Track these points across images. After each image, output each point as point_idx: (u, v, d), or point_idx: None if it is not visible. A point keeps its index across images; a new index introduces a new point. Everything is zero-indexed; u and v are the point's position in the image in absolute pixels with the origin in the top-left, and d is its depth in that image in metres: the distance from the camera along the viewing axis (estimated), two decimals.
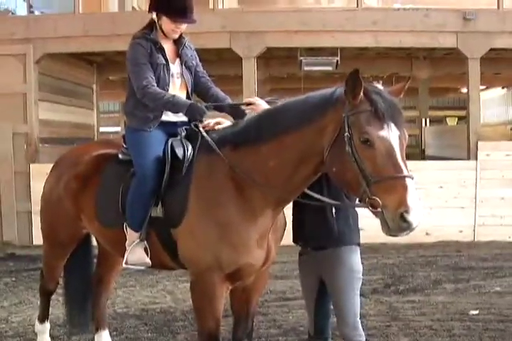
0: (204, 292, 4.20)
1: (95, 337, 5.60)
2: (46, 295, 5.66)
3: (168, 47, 4.68)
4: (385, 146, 3.57)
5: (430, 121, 19.05)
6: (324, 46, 12.35)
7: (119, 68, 13.96)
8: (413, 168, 3.75)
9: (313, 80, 16.16)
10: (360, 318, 4.43)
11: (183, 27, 4.64)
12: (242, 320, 4.59)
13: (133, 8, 14.28)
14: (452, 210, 11.50)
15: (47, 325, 5.69)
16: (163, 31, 4.63)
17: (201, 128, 4.41)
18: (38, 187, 6.05)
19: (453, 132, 16.66)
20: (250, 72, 11.87)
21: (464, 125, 15.30)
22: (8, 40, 11.82)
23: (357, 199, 3.90)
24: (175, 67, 4.70)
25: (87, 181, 4.90)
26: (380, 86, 3.80)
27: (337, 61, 12.70)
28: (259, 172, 4.06)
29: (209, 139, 4.30)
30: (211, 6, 12.07)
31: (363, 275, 4.45)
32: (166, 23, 4.58)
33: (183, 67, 4.73)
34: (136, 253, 4.47)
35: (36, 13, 13.02)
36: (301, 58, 12.83)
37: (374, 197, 3.51)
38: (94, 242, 5.53)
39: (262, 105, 4.47)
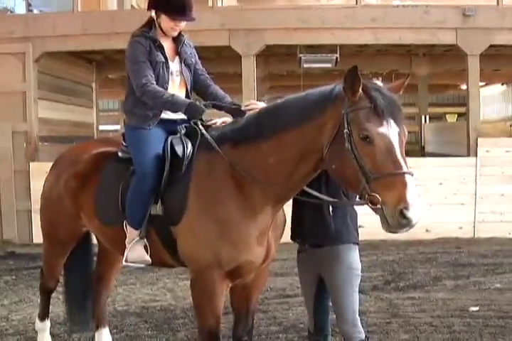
0: (204, 289, 4.20)
1: (95, 334, 5.60)
2: (46, 294, 5.66)
3: (167, 45, 4.67)
4: (385, 143, 3.57)
5: (430, 117, 19.09)
6: (323, 43, 12.34)
7: (118, 66, 13.96)
8: (413, 165, 3.76)
9: (313, 77, 16.14)
10: (360, 315, 4.43)
11: (182, 25, 4.63)
12: (242, 318, 4.59)
13: (132, 6, 14.29)
14: (452, 207, 11.51)
15: (47, 323, 5.69)
16: (162, 29, 4.62)
17: (200, 126, 4.41)
18: (37, 186, 6.05)
19: (452, 129, 16.67)
20: (249, 69, 11.86)
21: (463, 122, 15.29)
22: (7, 39, 11.82)
23: (357, 197, 3.91)
24: (174, 65, 4.69)
25: (87, 179, 4.90)
26: (379, 83, 3.80)
27: (336, 58, 12.70)
28: (259, 169, 4.06)
29: (208, 137, 4.30)
30: (210, 4, 12.08)
31: (362, 272, 4.45)
32: (165, 21, 4.58)
33: (183, 64, 4.73)
34: (135, 251, 4.47)
35: (35, 11, 13.03)
36: (301, 55, 12.83)
37: (373, 194, 3.51)
38: (94, 240, 5.53)
39: (262, 106, 4.46)
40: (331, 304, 4.47)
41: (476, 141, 11.70)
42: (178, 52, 4.73)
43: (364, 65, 15.55)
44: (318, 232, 4.31)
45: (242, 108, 4.56)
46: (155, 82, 4.51)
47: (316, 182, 4.17)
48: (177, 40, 4.73)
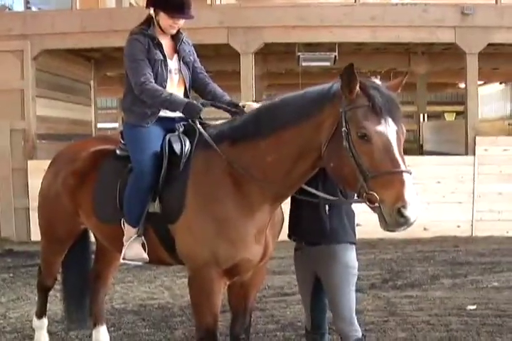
0: (202, 287, 4.20)
1: (93, 332, 5.60)
2: (44, 291, 5.65)
3: (165, 42, 4.67)
4: (383, 141, 3.57)
5: (428, 116, 19.09)
6: (322, 41, 12.35)
7: (116, 64, 13.92)
8: (411, 163, 3.76)
9: (311, 76, 16.16)
10: (357, 313, 4.44)
11: (181, 22, 4.63)
12: (239, 316, 4.59)
13: (130, 3, 14.28)
14: (450, 205, 11.51)
15: (45, 320, 5.69)
16: (160, 27, 4.62)
17: (198, 124, 4.40)
18: (35, 184, 6.04)
19: (451, 127, 16.68)
20: (248, 67, 11.85)
21: (461, 120, 15.30)
22: (6, 36, 11.81)
23: (355, 196, 3.91)
24: (173, 63, 4.69)
25: (85, 177, 4.90)
26: (377, 81, 3.80)
27: (335, 56, 12.70)
28: (257, 167, 4.06)
29: (206, 135, 4.30)
30: (209, 2, 12.07)
31: (360, 270, 4.45)
32: (163, 19, 4.57)
33: (181, 62, 4.72)
34: (133, 249, 4.47)
35: (33, 9, 13.01)
36: (299, 54, 12.82)
37: (371, 192, 3.51)
38: (92, 238, 5.53)
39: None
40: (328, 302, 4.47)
41: (474, 139, 11.70)
42: (176, 50, 4.72)
43: (362, 63, 15.58)
44: (315, 231, 4.31)
45: (240, 106, 4.57)
46: (153, 81, 4.50)
47: (313, 181, 4.17)
48: (175, 38, 4.73)
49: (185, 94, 4.76)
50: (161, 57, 4.58)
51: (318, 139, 3.80)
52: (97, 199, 4.77)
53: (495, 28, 11.73)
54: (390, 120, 3.61)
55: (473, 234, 11.57)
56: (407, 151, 3.75)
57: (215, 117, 4.84)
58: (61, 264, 5.53)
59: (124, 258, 4.55)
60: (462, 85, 17.56)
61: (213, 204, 4.15)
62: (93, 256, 5.70)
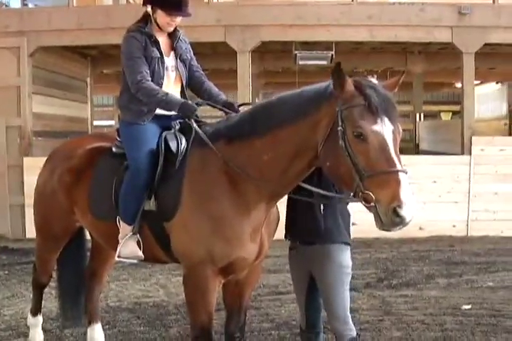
0: (197, 286, 4.20)
1: (88, 330, 5.59)
2: (39, 289, 5.65)
3: (162, 40, 4.67)
4: (379, 140, 3.57)
5: (424, 115, 19.06)
6: (319, 40, 12.34)
7: (113, 62, 13.94)
8: (407, 163, 3.76)
9: (308, 74, 16.15)
10: (352, 312, 4.45)
11: (178, 20, 4.63)
12: (234, 314, 4.60)
13: (127, 1, 14.24)
14: (445, 205, 11.52)
15: (39, 318, 5.68)
16: (158, 24, 4.61)
17: (193, 123, 4.39)
18: (31, 181, 6.03)
19: (447, 127, 16.67)
20: (245, 65, 11.84)
21: (458, 120, 15.30)
22: (2, 33, 11.78)
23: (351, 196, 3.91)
24: (169, 60, 4.69)
25: (81, 174, 4.90)
26: (374, 80, 3.79)
27: (332, 55, 12.69)
28: (253, 166, 4.06)
29: (201, 133, 4.29)
30: (206, 0, 12.04)
31: (355, 269, 4.46)
32: (161, 16, 4.57)
33: (178, 60, 4.72)
34: (128, 247, 4.46)
35: (30, 5, 12.99)
36: (296, 52, 12.82)
37: (367, 192, 3.51)
38: (88, 236, 5.51)
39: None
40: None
41: (471, 139, 11.71)
42: (173, 48, 4.73)
43: (359, 62, 15.61)
44: (309, 230, 4.32)
45: (235, 106, 4.57)
46: (150, 79, 4.50)
47: (309, 181, 4.17)
48: (172, 36, 4.73)
49: (182, 92, 4.77)
50: (158, 55, 4.58)
51: (315, 138, 3.79)
52: (92, 196, 4.77)
53: (492, 27, 11.74)
54: (386, 119, 3.61)
55: (469, 234, 11.58)
56: (402, 151, 3.74)
57: (212, 115, 4.83)
58: (56, 262, 5.52)
59: (119, 256, 4.55)
60: (459, 85, 17.52)
61: (209, 203, 4.14)
62: (88, 254, 5.69)
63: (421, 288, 7.92)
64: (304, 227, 4.34)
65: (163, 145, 4.38)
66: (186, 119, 4.46)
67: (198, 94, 4.88)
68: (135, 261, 4.69)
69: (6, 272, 9.05)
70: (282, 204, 4.40)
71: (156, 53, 4.57)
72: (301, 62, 13.33)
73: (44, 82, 12.91)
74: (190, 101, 4.51)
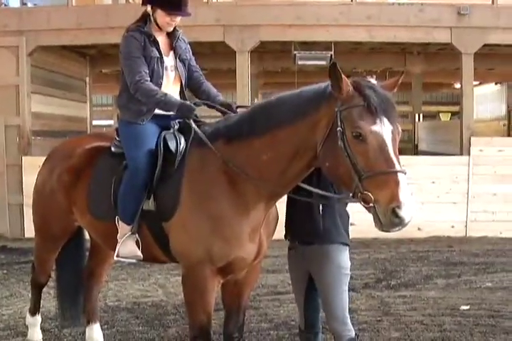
0: (195, 285, 4.20)
1: (86, 330, 5.59)
2: (37, 288, 5.64)
3: (162, 39, 4.67)
4: (378, 141, 3.56)
5: (423, 116, 19.04)
6: (318, 40, 12.34)
7: (112, 61, 13.92)
8: (406, 163, 3.75)
9: (307, 75, 16.13)
10: (351, 313, 4.45)
11: (178, 20, 4.63)
12: (233, 314, 4.59)
13: (126, 0, 14.20)
14: (444, 205, 11.53)
15: (38, 317, 5.68)
16: (157, 24, 4.61)
17: (193, 123, 4.39)
18: (30, 180, 6.03)
19: (446, 127, 16.68)
20: (244, 65, 11.84)
21: (457, 120, 15.31)
22: (1, 32, 11.78)
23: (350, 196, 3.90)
24: (169, 60, 4.69)
25: (80, 174, 4.89)
26: (373, 80, 3.78)
27: (331, 55, 12.67)
28: (252, 166, 4.05)
29: (200, 133, 4.29)
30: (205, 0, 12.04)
31: (354, 270, 4.47)
32: (160, 16, 4.57)
33: (177, 59, 4.72)
34: (127, 246, 4.46)
35: (29, 5, 12.96)
36: (295, 52, 12.80)
37: (366, 192, 3.50)
38: (87, 235, 5.51)
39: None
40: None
41: (470, 140, 11.72)
42: (172, 47, 4.72)
43: (359, 62, 15.61)
44: (308, 230, 4.32)
45: (233, 106, 4.57)
46: (149, 79, 4.50)
47: (308, 181, 4.16)
48: (172, 35, 4.73)
49: (181, 92, 4.76)
50: (157, 55, 4.58)
51: (314, 138, 3.79)
52: (91, 196, 4.77)
53: (491, 28, 11.75)
54: (385, 120, 3.60)
55: (468, 235, 11.58)
56: (401, 151, 3.73)
57: (211, 115, 4.84)
58: (55, 261, 5.52)
59: (117, 256, 4.55)
60: (457, 85, 17.54)
61: (208, 202, 4.14)
62: (87, 254, 5.69)
63: (419, 289, 7.92)
64: (303, 227, 4.34)
65: (162, 145, 4.38)
66: (185, 119, 4.46)
67: (196, 94, 4.88)
68: (134, 261, 4.69)
69: (5, 271, 9.04)
70: (282, 204, 4.39)
71: (156, 53, 4.57)
72: (300, 62, 13.30)
73: (43, 82, 12.91)
74: (188, 102, 4.51)
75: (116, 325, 6.46)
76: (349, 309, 4.44)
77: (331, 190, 4.19)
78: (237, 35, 11.77)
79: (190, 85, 4.86)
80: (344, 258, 4.35)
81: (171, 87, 4.67)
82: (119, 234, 4.49)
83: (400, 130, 3.69)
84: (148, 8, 4.61)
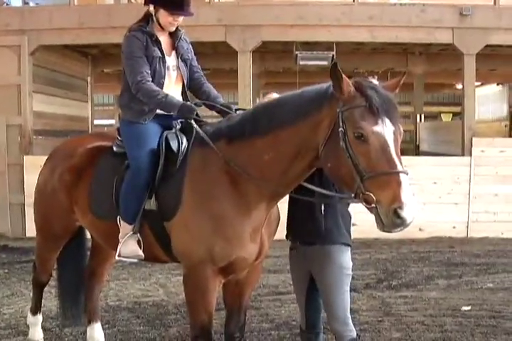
0: (197, 285, 4.20)
1: (87, 329, 5.59)
2: (39, 287, 5.64)
3: (164, 39, 4.67)
4: (379, 142, 3.56)
5: (425, 116, 19.05)
6: (320, 40, 12.35)
7: (114, 61, 13.92)
8: (407, 164, 3.75)
9: (309, 75, 16.13)
10: (352, 313, 4.45)
11: (180, 19, 4.63)
12: (234, 314, 4.59)
13: (128, 0, 14.23)
14: (446, 206, 11.52)
15: (39, 317, 5.68)
16: (159, 24, 4.61)
17: (194, 124, 4.39)
18: (31, 179, 6.04)
19: (447, 128, 16.68)
20: (245, 65, 11.84)
21: (458, 121, 15.31)
22: (3, 32, 11.79)
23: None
24: (171, 60, 4.69)
25: (82, 173, 4.89)
26: (375, 81, 3.78)
27: (333, 56, 12.67)
28: (254, 166, 4.05)
29: (202, 133, 4.29)
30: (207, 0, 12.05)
31: (355, 270, 4.46)
32: (163, 16, 4.57)
33: (179, 59, 4.72)
34: (129, 246, 4.46)
35: (31, 4, 12.99)
36: (297, 53, 12.80)
37: (368, 193, 3.50)
38: (88, 235, 5.51)
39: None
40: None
41: (471, 140, 11.71)
42: (174, 47, 4.72)
43: (360, 63, 15.60)
44: (310, 230, 4.32)
45: (233, 108, 4.58)
46: (151, 79, 4.50)
47: (309, 181, 4.16)
48: (174, 35, 4.73)
49: (183, 91, 4.77)
50: (159, 54, 4.58)
51: (316, 139, 3.79)
52: (93, 195, 4.77)
53: (493, 29, 11.74)
54: (387, 120, 3.60)
55: (469, 235, 11.58)
56: (403, 152, 3.73)
57: (213, 115, 4.84)
58: (56, 261, 5.52)
59: (119, 255, 4.54)
60: (459, 86, 17.55)
61: (210, 202, 4.14)
62: (88, 253, 5.69)
63: (421, 289, 7.91)
64: (305, 227, 4.34)
65: (163, 145, 4.38)
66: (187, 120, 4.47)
67: (197, 95, 4.89)
68: (135, 261, 4.68)
69: (6, 271, 9.04)
70: (283, 204, 4.39)
71: (158, 53, 4.57)
72: (301, 63, 13.30)
73: (45, 81, 12.92)
74: (189, 103, 4.51)
75: (117, 325, 6.46)
76: (350, 309, 4.44)
77: (333, 191, 4.19)
78: (239, 35, 11.77)
79: (191, 85, 4.86)
80: (346, 258, 4.35)
81: (173, 86, 4.68)
82: (120, 234, 4.49)
83: (402, 130, 3.68)
84: (151, 7, 4.61)
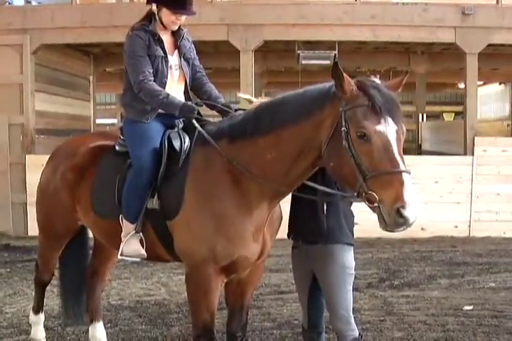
0: (199, 284, 4.19)
1: (89, 328, 5.59)
2: (41, 287, 5.65)
3: (166, 38, 4.66)
4: (382, 141, 3.56)
5: (427, 116, 19.04)
6: (322, 40, 12.34)
7: (116, 60, 13.92)
8: (409, 163, 3.74)
9: (311, 74, 16.12)
10: (354, 312, 4.43)
11: (183, 19, 4.63)
12: (236, 313, 4.59)
13: None
14: (448, 205, 11.52)
15: (41, 316, 5.68)
16: (162, 23, 4.61)
17: (196, 123, 4.38)
18: (33, 179, 6.05)
19: (450, 127, 16.67)
20: (247, 65, 11.84)
21: (460, 120, 15.30)
22: (5, 30, 11.80)
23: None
24: (173, 59, 4.68)
25: (84, 172, 4.89)
26: (377, 80, 3.78)
27: (335, 55, 12.66)
28: (256, 165, 4.05)
29: (204, 132, 4.29)
30: None
31: (357, 269, 4.45)
32: (166, 15, 4.57)
33: (182, 58, 4.72)
34: (131, 245, 4.46)
35: (33, 3, 13.01)
36: (299, 52, 12.80)
37: (370, 192, 3.50)
38: (91, 234, 5.50)
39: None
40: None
41: (473, 139, 11.71)
42: (177, 46, 4.72)
43: (362, 62, 15.60)
44: (312, 229, 4.31)
45: (233, 109, 4.57)
46: (153, 78, 4.50)
47: (312, 181, 4.16)
48: (176, 34, 4.72)
49: (186, 90, 4.76)
50: (162, 54, 4.57)
51: (318, 138, 3.79)
52: (95, 194, 4.77)
53: (495, 28, 11.74)
54: (389, 120, 3.59)
55: (471, 235, 11.58)
56: (405, 151, 3.73)
57: (215, 114, 4.84)
58: (58, 260, 5.53)
59: (121, 254, 4.54)
60: (461, 85, 17.52)
61: (212, 201, 4.14)
62: (91, 252, 5.69)
63: (423, 289, 7.91)
64: (307, 226, 4.33)
65: (166, 144, 4.38)
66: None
67: (198, 94, 4.88)
68: (137, 260, 4.69)
69: (8, 270, 9.04)
70: (286, 204, 4.39)
71: (160, 52, 4.57)
72: (303, 62, 13.29)
73: (47, 80, 12.92)
74: (190, 102, 4.51)
75: (119, 324, 6.46)
76: (352, 309, 4.44)
77: (335, 190, 4.18)
78: (241, 34, 11.77)
79: (193, 85, 4.85)
80: (349, 258, 4.35)
81: (175, 86, 4.67)
82: (123, 233, 4.49)
83: (405, 130, 3.68)
84: (153, 6, 4.61)
